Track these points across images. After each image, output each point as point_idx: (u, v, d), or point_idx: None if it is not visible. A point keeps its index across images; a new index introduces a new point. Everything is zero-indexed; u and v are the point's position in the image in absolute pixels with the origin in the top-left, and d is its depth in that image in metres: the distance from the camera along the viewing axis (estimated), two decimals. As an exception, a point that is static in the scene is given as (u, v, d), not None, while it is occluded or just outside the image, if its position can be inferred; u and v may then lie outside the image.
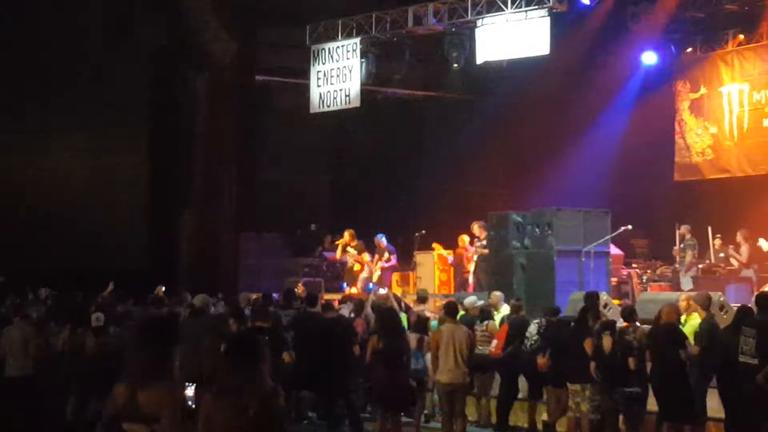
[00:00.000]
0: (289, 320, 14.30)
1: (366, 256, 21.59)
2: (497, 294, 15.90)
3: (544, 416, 13.28)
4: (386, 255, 21.71)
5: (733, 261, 18.98)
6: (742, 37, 21.37)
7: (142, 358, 7.77)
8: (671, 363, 11.40)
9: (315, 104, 22.85)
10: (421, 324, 13.45)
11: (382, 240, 21.83)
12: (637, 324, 12.41)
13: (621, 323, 12.43)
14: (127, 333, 12.16)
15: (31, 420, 12.58)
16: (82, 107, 23.60)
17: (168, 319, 10.33)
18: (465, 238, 21.15)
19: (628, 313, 12.58)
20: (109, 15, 23.62)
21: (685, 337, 11.71)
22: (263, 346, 6.44)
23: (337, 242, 22.33)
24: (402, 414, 12.53)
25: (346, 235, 21.95)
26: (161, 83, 25.08)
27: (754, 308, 11.59)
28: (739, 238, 18.87)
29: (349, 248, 21.89)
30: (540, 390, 13.31)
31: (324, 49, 22.61)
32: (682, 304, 12.86)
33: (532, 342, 13.28)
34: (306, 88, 23.07)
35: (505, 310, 15.31)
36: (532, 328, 13.39)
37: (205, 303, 14.58)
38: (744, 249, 18.72)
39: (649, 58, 22.59)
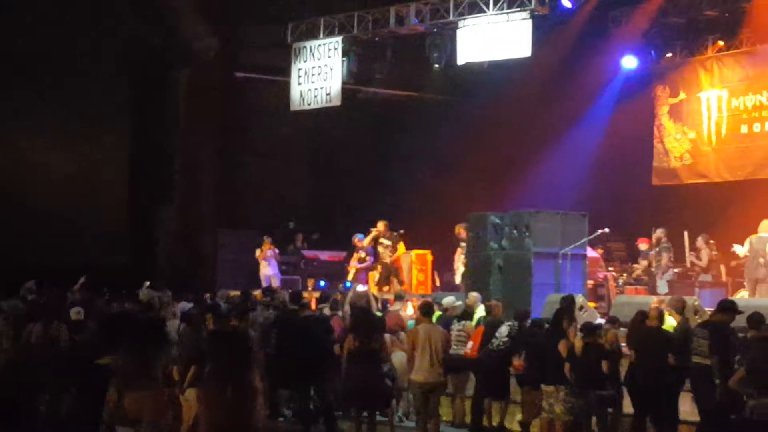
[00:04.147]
0: (271, 319, 14.29)
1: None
2: (474, 295, 15.94)
3: (519, 417, 13.34)
4: (363, 254, 21.72)
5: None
6: (721, 43, 21.46)
7: (128, 362, 7.74)
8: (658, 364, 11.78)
9: (296, 102, 22.86)
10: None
11: (360, 239, 21.85)
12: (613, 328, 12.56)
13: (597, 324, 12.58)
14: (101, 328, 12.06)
15: (5, 415, 12.51)
16: (63, 103, 23.46)
17: (154, 323, 10.25)
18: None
19: (612, 320, 12.90)
20: (91, 10, 23.51)
21: (673, 338, 12.05)
22: (245, 344, 6.46)
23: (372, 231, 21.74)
24: (377, 413, 12.58)
25: (380, 225, 21.52)
26: (142, 79, 25.00)
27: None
28: (699, 242, 18.95)
29: (383, 239, 21.37)
30: (506, 390, 13.40)
31: (305, 47, 22.62)
32: (653, 308, 12.98)
33: (500, 343, 13.33)
34: (287, 86, 23.06)
35: (481, 311, 15.36)
36: (503, 329, 13.45)
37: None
38: (704, 253, 18.83)
39: (629, 63, 22.69)
